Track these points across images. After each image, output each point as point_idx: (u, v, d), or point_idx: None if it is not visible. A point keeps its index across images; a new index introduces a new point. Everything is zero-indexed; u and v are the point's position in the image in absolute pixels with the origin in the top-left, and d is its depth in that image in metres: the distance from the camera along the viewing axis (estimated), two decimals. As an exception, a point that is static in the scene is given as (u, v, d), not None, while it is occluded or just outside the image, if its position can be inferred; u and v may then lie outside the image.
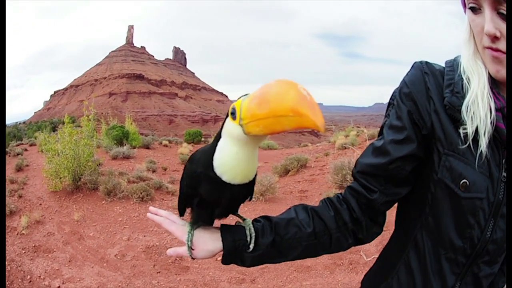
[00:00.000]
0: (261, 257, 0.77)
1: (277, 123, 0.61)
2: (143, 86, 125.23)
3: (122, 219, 4.87)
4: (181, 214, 0.83)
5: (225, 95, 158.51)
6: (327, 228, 0.78)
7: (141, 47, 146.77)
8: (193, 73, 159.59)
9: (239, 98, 0.66)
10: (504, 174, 0.69)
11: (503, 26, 0.63)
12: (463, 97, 0.70)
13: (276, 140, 16.32)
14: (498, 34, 0.64)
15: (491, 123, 0.68)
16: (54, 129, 16.64)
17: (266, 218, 0.79)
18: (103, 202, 5.34)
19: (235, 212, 0.79)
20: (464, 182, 0.69)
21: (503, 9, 0.63)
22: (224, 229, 0.77)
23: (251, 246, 0.75)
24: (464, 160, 0.70)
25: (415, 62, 0.77)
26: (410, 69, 0.77)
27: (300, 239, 0.77)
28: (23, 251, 4.15)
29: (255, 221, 0.78)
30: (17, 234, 4.51)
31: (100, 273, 3.68)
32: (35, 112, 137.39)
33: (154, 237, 4.36)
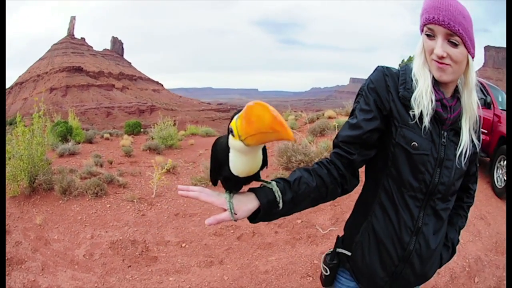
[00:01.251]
0: (283, 211, 1.04)
1: (264, 137, 0.85)
2: (81, 79, 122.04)
3: (82, 217, 4.92)
4: (214, 184, 1.04)
5: (160, 84, 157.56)
6: (324, 182, 1.07)
7: (81, 38, 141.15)
8: (130, 63, 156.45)
9: (232, 118, 0.89)
10: (444, 140, 1.10)
11: (450, 49, 1.02)
12: (412, 92, 1.07)
13: (214, 127, 16.49)
14: (445, 55, 1.02)
15: (432, 108, 1.06)
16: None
17: (282, 179, 1.05)
18: (60, 202, 5.32)
19: (258, 178, 1.02)
20: (414, 144, 1.08)
21: (454, 40, 1.01)
22: (257, 191, 1.01)
23: (280, 204, 1.00)
24: (413, 130, 1.08)
25: (378, 66, 1.14)
26: (374, 71, 1.14)
27: (309, 192, 1.05)
28: None
29: (275, 182, 1.03)
30: None
31: (74, 277, 3.81)
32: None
33: (116, 232, 4.52)
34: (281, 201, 1.01)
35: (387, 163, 1.13)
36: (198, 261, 3.68)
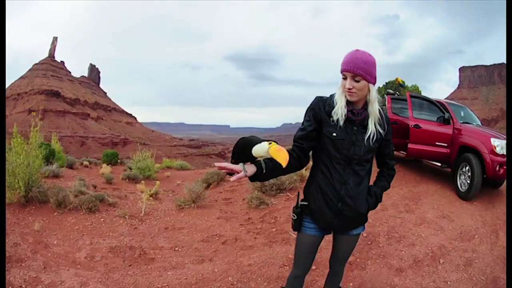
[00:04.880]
0: (267, 174, 1.97)
1: (277, 157, 1.82)
2: (58, 105, 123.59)
3: (78, 227, 5.42)
4: (234, 162, 2.00)
5: (134, 117, 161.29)
6: (291, 160, 1.96)
7: (61, 61, 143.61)
8: (105, 93, 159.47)
9: (270, 143, 1.86)
10: (355, 131, 1.99)
11: (354, 84, 1.89)
12: (333, 108, 1.96)
13: (188, 162, 17.24)
14: (351, 87, 1.90)
15: (344, 115, 1.94)
16: None
17: (269, 159, 1.94)
18: (55, 213, 5.77)
19: (256, 160, 1.95)
20: (334, 134, 1.97)
21: (357, 78, 1.89)
22: (255, 163, 1.95)
23: (264, 170, 1.95)
24: (333, 128, 1.97)
25: (316, 96, 2.04)
26: (314, 99, 2.02)
27: (281, 165, 1.85)
28: None
29: (264, 161, 1.96)
30: None
31: (77, 274, 4.21)
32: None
33: (113, 240, 5.07)
34: (264, 168, 1.97)
35: (322, 147, 2.07)
36: (190, 260, 4.40)
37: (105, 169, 10.16)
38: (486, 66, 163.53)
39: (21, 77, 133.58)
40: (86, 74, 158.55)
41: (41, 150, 6.42)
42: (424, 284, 3.69)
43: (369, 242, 4.45)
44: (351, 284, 3.69)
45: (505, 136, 5.86)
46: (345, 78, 1.97)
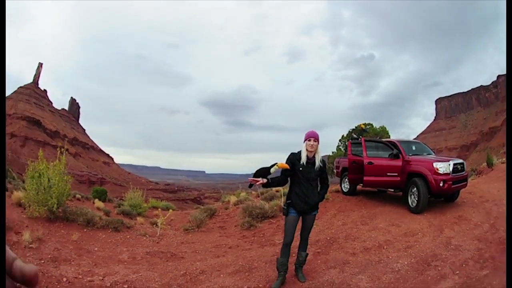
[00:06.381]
0: (273, 185, 4.48)
1: (283, 166, 4.44)
2: (39, 135, 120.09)
3: (111, 240, 6.78)
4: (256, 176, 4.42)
5: (111, 157, 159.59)
6: (281, 179, 4.52)
7: (44, 90, 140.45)
8: (84, 130, 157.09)
9: (275, 163, 4.44)
10: (310, 167, 4.51)
11: (314, 143, 4.45)
12: (300, 157, 4.46)
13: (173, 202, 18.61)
14: (312, 147, 4.46)
15: (304, 162, 4.45)
16: None
17: (272, 178, 4.44)
18: (85, 230, 7.03)
19: (268, 175, 4.42)
20: (300, 169, 4.46)
21: (312, 141, 4.46)
22: (266, 178, 4.39)
23: (270, 181, 4.41)
24: (300, 166, 4.45)
25: (291, 153, 4.55)
26: (290, 154, 4.54)
27: (278, 181, 4.49)
28: (42, 261, 5.17)
29: (271, 178, 4.44)
30: (24, 247, 5.48)
31: (126, 267, 5.42)
32: None
33: (145, 248, 6.55)
34: (269, 180, 4.40)
35: (294, 174, 4.50)
36: (209, 256, 6.17)
37: (99, 203, 11.35)
38: (463, 93, 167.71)
39: (6, 97, 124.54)
40: (66, 107, 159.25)
41: (68, 177, 7.65)
42: (370, 260, 5.33)
43: (331, 242, 6.30)
44: (319, 261, 5.45)
45: (448, 159, 7.87)
46: (309, 141, 4.41)
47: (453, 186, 7.56)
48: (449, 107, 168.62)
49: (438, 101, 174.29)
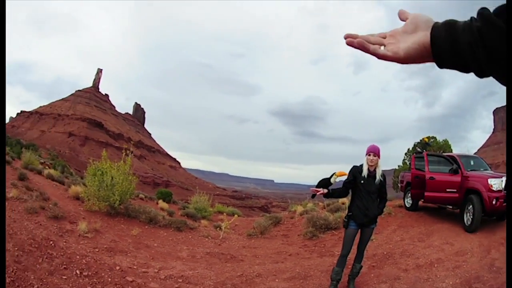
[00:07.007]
0: (334, 196, 4.68)
1: (342, 175, 4.58)
2: (101, 136, 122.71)
3: (172, 239, 6.80)
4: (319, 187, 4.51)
5: (178, 161, 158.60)
6: (342, 191, 4.59)
7: (105, 94, 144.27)
8: (150, 134, 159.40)
9: (334, 173, 4.57)
10: (371, 180, 4.46)
11: (374, 158, 4.43)
12: (362, 171, 4.44)
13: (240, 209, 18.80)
14: (372, 161, 4.45)
15: (366, 175, 4.44)
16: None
17: (333, 189, 4.55)
18: (147, 227, 7.16)
19: (329, 185, 4.51)
20: (362, 182, 4.45)
21: (375, 155, 4.46)
22: (328, 188, 4.51)
23: (331, 191, 4.50)
24: (362, 179, 4.45)
25: (353, 166, 4.57)
26: (352, 167, 4.56)
27: (339, 192, 4.58)
28: (96, 250, 5.30)
29: (332, 188, 4.54)
30: (79, 235, 5.70)
31: (184, 264, 5.43)
32: None
33: (206, 249, 6.45)
34: (331, 191, 4.45)
35: (355, 187, 4.46)
36: (268, 261, 5.94)
37: (163, 204, 11.67)
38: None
39: (63, 99, 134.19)
40: (130, 112, 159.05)
41: (134, 177, 7.98)
42: (420, 277, 5.23)
43: (388, 257, 6.11)
44: (372, 275, 5.34)
45: (501, 175, 7.32)
46: (369, 155, 4.39)
47: (504, 204, 7.04)
48: (506, 118, 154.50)
49: (496, 112, 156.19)
